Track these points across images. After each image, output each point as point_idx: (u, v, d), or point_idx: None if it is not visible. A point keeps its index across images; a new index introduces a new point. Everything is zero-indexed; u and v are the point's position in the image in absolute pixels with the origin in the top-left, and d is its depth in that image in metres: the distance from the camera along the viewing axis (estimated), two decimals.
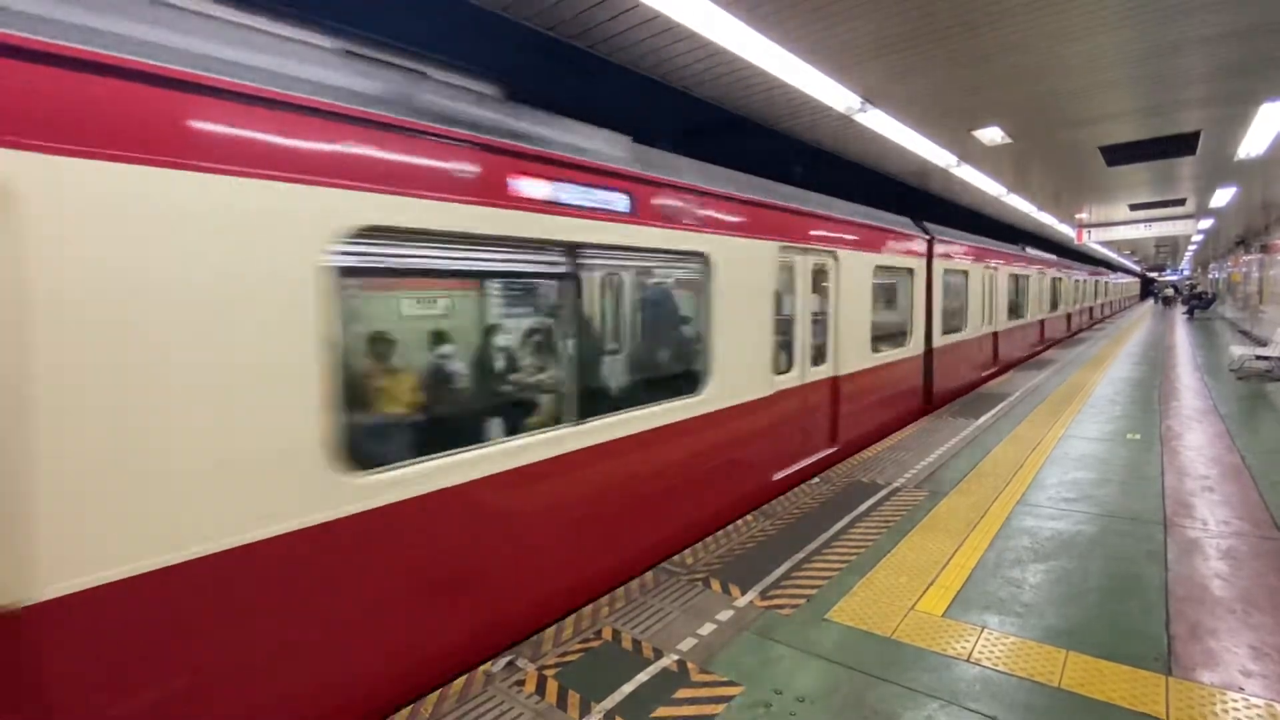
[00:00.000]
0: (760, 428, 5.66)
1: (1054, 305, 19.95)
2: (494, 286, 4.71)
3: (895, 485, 5.86)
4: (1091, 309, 30.14)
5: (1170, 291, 45.36)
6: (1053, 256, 19.66)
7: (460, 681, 3.10)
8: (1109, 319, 34.48)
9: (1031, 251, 16.81)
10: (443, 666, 3.19)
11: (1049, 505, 5.20)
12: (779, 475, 6.00)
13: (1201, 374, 12.10)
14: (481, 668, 3.20)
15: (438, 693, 3.02)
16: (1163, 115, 7.79)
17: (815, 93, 6.29)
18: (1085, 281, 27.69)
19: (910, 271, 8.86)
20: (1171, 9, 4.92)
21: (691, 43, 5.24)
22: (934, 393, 9.96)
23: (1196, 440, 7.08)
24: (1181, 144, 9.03)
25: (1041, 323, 17.81)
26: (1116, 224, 18.67)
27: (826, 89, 6.25)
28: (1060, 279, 20.83)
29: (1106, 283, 37.49)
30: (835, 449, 6.98)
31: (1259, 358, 11.83)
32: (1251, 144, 8.85)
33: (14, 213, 1.96)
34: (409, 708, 2.92)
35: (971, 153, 9.42)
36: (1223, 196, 13.88)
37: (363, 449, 2.86)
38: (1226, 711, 2.67)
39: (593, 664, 3.21)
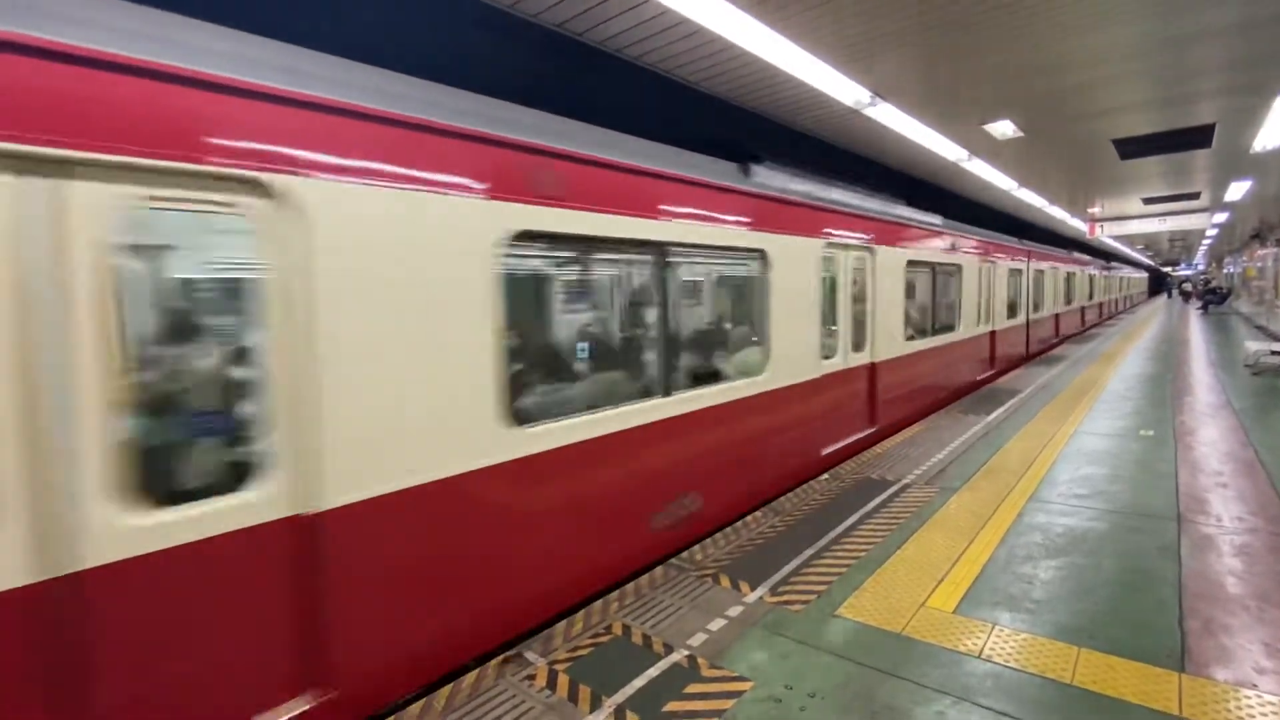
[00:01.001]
0: None
1: (939, 324, 9.85)
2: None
3: (905, 482, 5.84)
4: (1057, 319, 18.85)
5: (1189, 286, 44.63)
6: (948, 230, 9.70)
7: (472, 675, 3.12)
8: (1098, 327, 25.38)
9: (896, 211, 8.19)
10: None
11: (1060, 501, 5.17)
12: None
13: (1215, 369, 11.98)
14: (493, 661, 3.23)
15: (449, 686, 3.05)
16: (1176, 107, 7.71)
17: (824, 87, 6.26)
18: (1052, 273, 17.64)
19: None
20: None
21: (700, 37, 5.23)
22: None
23: (1210, 436, 7.01)
24: (1196, 136, 8.94)
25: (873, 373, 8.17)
26: (1130, 218, 18.50)
27: (836, 83, 6.22)
28: (986, 269, 11.60)
29: (1090, 277, 25.55)
30: None
31: (1274, 353, 11.70)
32: (1268, 136, 8.74)
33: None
34: (421, 701, 2.95)
35: (982, 147, 9.35)
36: (1238, 190, 13.72)
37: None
38: (1240, 709, 2.66)
39: (603, 658, 3.23)
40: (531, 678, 3.09)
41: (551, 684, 3.03)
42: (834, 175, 6.85)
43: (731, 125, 7.32)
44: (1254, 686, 2.79)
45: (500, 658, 3.27)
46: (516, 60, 4.88)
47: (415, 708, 2.91)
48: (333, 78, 2.83)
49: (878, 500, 5.37)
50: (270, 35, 2.74)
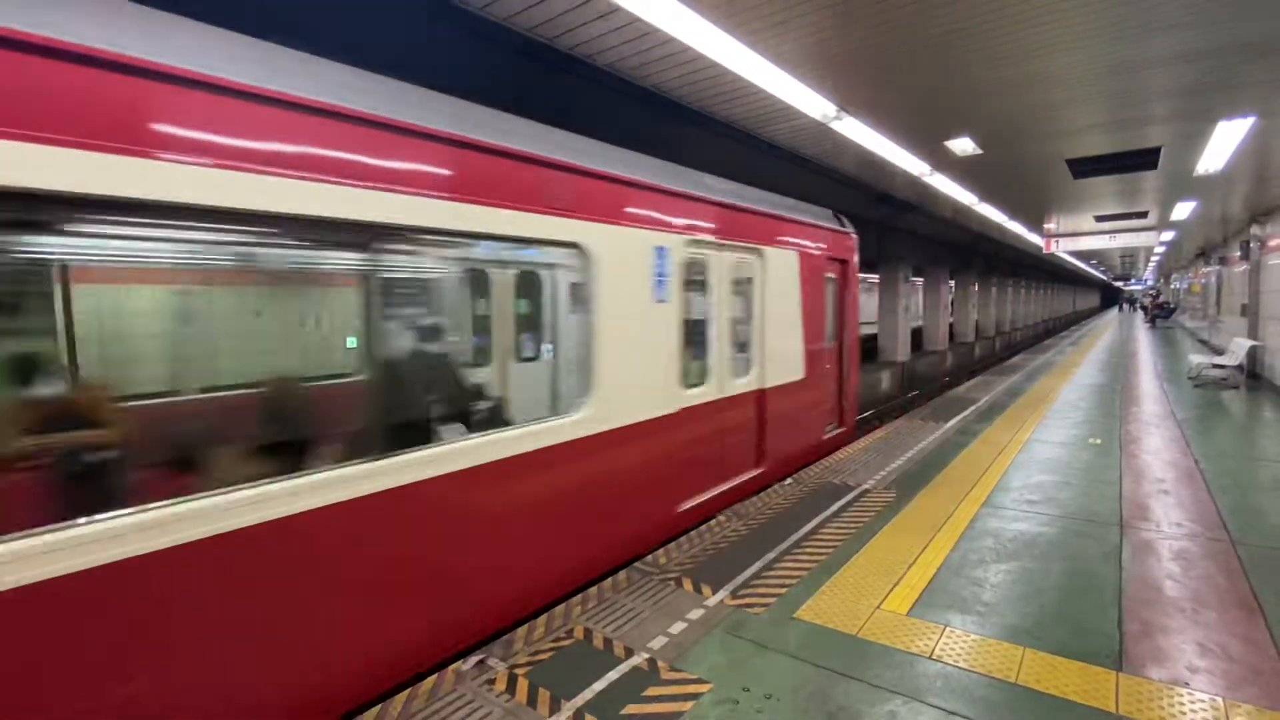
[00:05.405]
0: None
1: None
2: None
3: (865, 486, 5.97)
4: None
5: (1145, 300, 46.95)
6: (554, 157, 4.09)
7: (430, 680, 3.09)
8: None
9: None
10: None
11: (1012, 507, 5.34)
12: None
13: (1161, 381, 12.50)
14: (452, 667, 3.20)
15: (407, 691, 3.02)
16: (1127, 130, 8.03)
17: (792, 100, 6.38)
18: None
19: None
20: (1138, 28, 5.09)
21: (670, 47, 5.28)
22: None
23: (1154, 445, 7.32)
24: (1144, 159, 9.33)
25: None
26: (1083, 234, 19.19)
27: (803, 96, 6.34)
28: (718, 260, 5.88)
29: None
30: None
31: (1215, 366, 12.26)
32: (1210, 160, 9.17)
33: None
34: (378, 706, 2.91)
35: (944, 162, 9.61)
36: (1183, 210, 14.33)
37: None
38: (1173, 706, 2.79)
39: (564, 662, 3.23)
40: (491, 682, 3.07)
41: (511, 688, 3.02)
42: None
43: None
44: (1186, 685, 2.93)
45: (455, 665, 3.25)
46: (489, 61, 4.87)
47: (372, 712, 2.87)
48: (303, 71, 2.81)
49: (839, 504, 5.47)
50: (236, 28, 2.70)
